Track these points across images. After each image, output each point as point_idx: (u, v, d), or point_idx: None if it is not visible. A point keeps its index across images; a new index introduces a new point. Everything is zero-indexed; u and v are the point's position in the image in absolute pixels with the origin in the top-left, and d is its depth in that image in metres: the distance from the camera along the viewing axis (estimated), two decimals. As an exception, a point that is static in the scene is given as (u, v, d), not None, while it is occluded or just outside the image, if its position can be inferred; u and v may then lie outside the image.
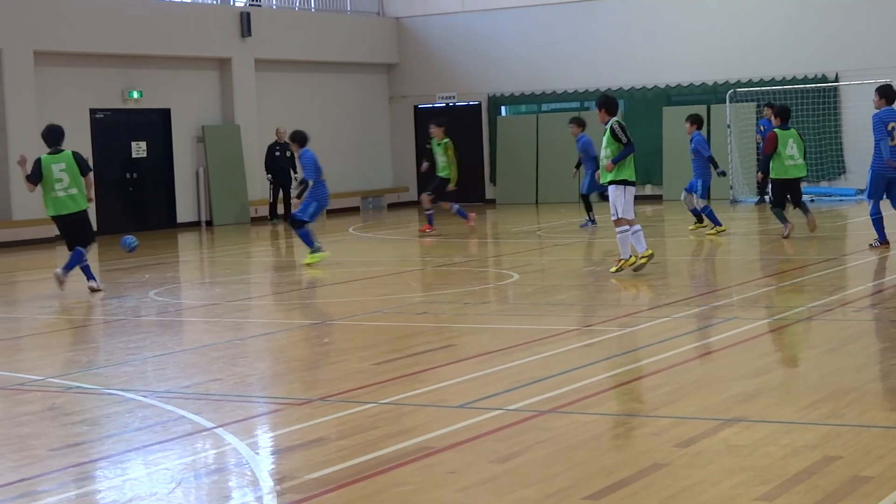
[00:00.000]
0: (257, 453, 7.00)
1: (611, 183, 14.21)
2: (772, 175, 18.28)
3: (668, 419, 7.33)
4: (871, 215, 16.18)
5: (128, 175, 26.65)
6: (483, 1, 31.40)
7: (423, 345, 10.53)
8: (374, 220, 28.22)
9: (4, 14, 23.85)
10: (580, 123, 22.15)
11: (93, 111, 25.81)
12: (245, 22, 28.30)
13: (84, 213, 15.40)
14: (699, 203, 19.84)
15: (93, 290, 15.15)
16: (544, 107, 31.43)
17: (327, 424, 7.61)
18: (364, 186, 31.97)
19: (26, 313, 14.32)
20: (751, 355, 9.43)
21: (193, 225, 27.42)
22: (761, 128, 25.62)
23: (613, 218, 14.20)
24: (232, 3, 29.20)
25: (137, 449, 7.24)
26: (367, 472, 6.41)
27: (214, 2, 28.95)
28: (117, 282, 17.10)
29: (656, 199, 29.36)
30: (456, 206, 22.38)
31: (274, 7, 30.79)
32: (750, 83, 28.45)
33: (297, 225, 17.59)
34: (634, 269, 14.31)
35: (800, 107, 27.60)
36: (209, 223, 27.45)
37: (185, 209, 27.51)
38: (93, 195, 15.61)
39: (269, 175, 27.71)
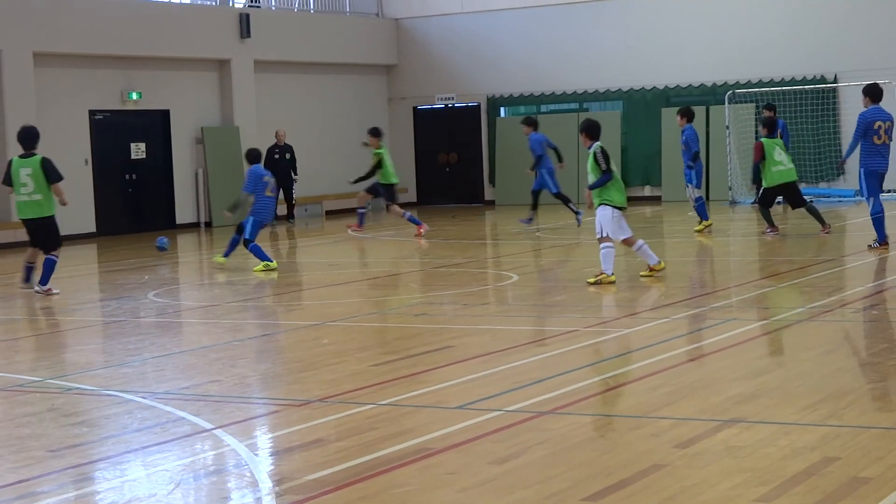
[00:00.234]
0: (256, 454, 7.01)
1: (601, 204, 14.10)
2: (765, 184, 18.87)
3: (667, 420, 7.33)
4: (873, 214, 16.20)
5: (127, 176, 26.64)
6: (482, 2, 31.39)
7: (423, 346, 10.53)
8: (373, 221, 28.20)
9: (4, 15, 23.85)
10: (530, 123, 22.54)
11: (92, 112, 25.81)
12: (244, 23, 28.30)
13: (49, 219, 15.52)
14: (693, 192, 20.16)
15: (36, 292, 15.37)
16: (543, 108, 31.42)
17: (326, 426, 7.61)
18: (363, 187, 31.85)
19: (25, 314, 14.31)
20: (750, 356, 9.44)
21: (192, 226, 27.41)
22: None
23: (598, 236, 14.10)
24: (231, 5, 29.20)
25: (136, 450, 7.24)
26: (366, 474, 6.41)
27: (213, 3, 28.95)
28: (116, 283, 17.11)
29: (655, 200, 29.37)
30: (408, 214, 22.72)
31: (273, 8, 30.79)
32: (749, 84, 28.45)
33: (245, 243, 17.56)
34: (643, 275, 14.27)
35: (798, 108, 27.62)
36: (208, 224, 27.44)
37: (184, 210, 27.51)
38: (65, 200, 15.69)
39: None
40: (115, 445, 7.38)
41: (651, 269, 14.28)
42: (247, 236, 17.55)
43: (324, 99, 30.86)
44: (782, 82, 28.11)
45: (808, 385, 8.22)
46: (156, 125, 27.11)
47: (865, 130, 16.15)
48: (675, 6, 29.39)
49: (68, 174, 25.09)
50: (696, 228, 20.12)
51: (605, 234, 13.99)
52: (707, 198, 27.85)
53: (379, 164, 22.39)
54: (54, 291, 15.44)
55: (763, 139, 18.76)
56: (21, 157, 15.54)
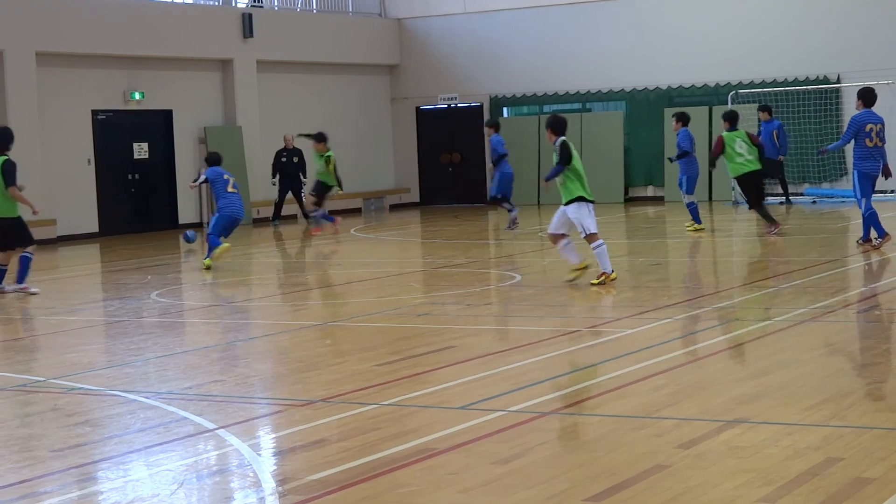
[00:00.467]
0: (259, 454, 7.01)
1: (569, 203, 14.04)
2: (731, 175, 19.58)
3: (669, 420, 7.33)
4: (865, 213, 16.37)
5: (130, 176, 26.66)
6: (485, 2, 31.39)
7: (425, 346, 10.52)
8: (376, 221, 28.21)
9: (7, 15, 23.87)
10: (491, 125, 23.21)
11: (95, 112, 25.82)
12: (247, 23, 28.31)
13: (10, 220, 15.44)
14: (685, 198, 20.54)
15: (12, 291, 15.48)
16: (546, 108, 31.41)
17: (329, 426, 7.62)
18: (366, 188, 31.96)
19: (28, 314, 14.32)
20: (752, 357, 9.43)
21: (195, 226, 27.41)
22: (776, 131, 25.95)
23: (583, 236, 14.05)
24: (234, 5, 29.21)
25: (139, 450, 7.24)
26: (368, 474, 6.41)
27: (216, 3, 28.96)
28: (119, 283, 17.11)
29: (658, 200, 29.36)
30: (321, 212, 23.06)
31: (276, 8, 30.79)
32: (752, 84, 28.44)
33: (210, 237, 18.23)
34: (569, 281, 14.18)
35: (802, 108, 27.62)
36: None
37: (186, 210, 27.52)
38: (30, 206, 15.70)
39: (274, 180, 27.69)
40: (117, 445, 7.38)
41: (575, 269, 14.15)
42: (209, 231, 18.18)
43: (326, 99, 30.86)
44: (785, 83, 28.10)
45: (810, 385, 8.21)
46: (158, 125, 27.12)
47: (857, 133, 16.41)
48: (678, 6, 29.37)
49: (71, 174, 25.33)
50: (688, 229, 20.45)
51: (589, 232, 13.93)
52: (710, 198, 27.88)
53: (328, 163, 22.72)
54: (32, 290, 15.44)
55: (724, 133, 19.23)
56: None
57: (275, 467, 6.72)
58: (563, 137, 14.06)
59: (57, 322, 13.29)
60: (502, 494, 6.00)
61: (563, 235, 14.11)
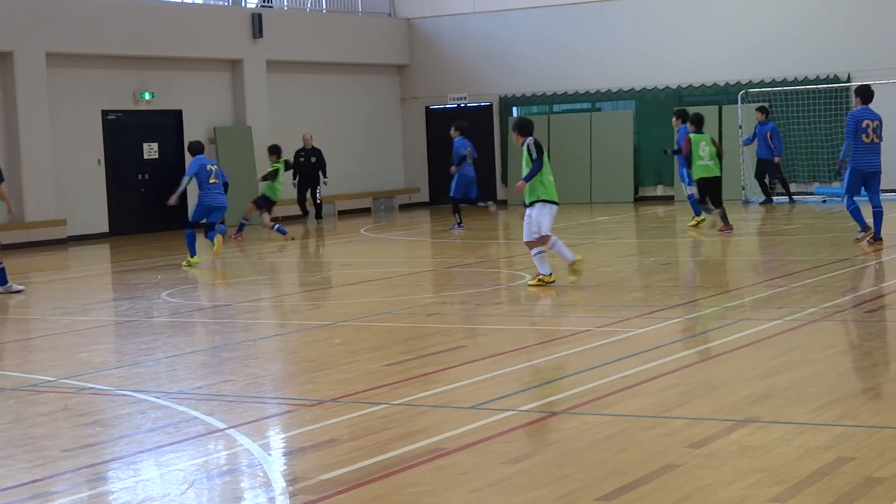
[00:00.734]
0: (269, 454, 7.01)
1: (532, 203, 13.99)
2: (694, 177, 19.97)
3: (680, 420, 7.32)
4: (848, 207, 16.81)
5: (140, 176, 26.69)
6: (494, 2, 31.38)
7: (435, 346, 10.52)
8: (386, 220, 28.23)
9: (17, 16, 23.91)
10: (458, 127, 23.93)
11: (105, 112, 25.86)
12: (256, 23, 28.34)
13: None
14: (686, 190, 21.04)
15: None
16: (556, 108, 31.40)
17: (339, 425, 7.62)
18: (375, 187, 31.97)
19: (39, 314, 14.35)
20: (763, 356, 9.42)
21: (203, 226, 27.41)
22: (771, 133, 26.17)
23: (535, 236, 13.98)
24: (243, 5, 29.23)
25: (150, 450, 7.25)
26: (378, 474, 6.41)
27: (226, 3, 28.98)
28: (129, 283, 17.14)
29: (668, 199, 29.34)
30: (275, 226, 23.16)
31: (285, 8, 30.82)
32: (762, 84, 28.39)
33: (187, 226, 18.96)
34: (530, 286, 14.14)
35: (812, 107, 27.55)
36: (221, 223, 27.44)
37: (196, 210, 27.51)
38: (8, 205, 16.01)
39: (295, 180, 27.70)
40: (128, 445, 7.39)
41: (540, 278, 14.04)
42: (189, 217, 19.01)
43: (336, 99, 30.88)
44: (795, 82, 28.04)
45: (821, 385, 8.20)
46: (168, 125, 27.15)
47: (855, 129, 16.55)
48: (687, 6, 29.34)
49: (81, 174, 25.38)
50: (689, 224, 20.88)
51: (542, 235, 13.86)
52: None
53: (273, 176, 23.01)
54: (16, 288, 15.57)
55: (692, 135, 19.78)
56: None
57: (285, 467, 6.72)
58: (531, 137, 13.98)
59: (68, 322, 13.31)
60: (512, 494, 6.00)
61: (545, 238, 14.01)
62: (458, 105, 32.30)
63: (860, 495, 5.66)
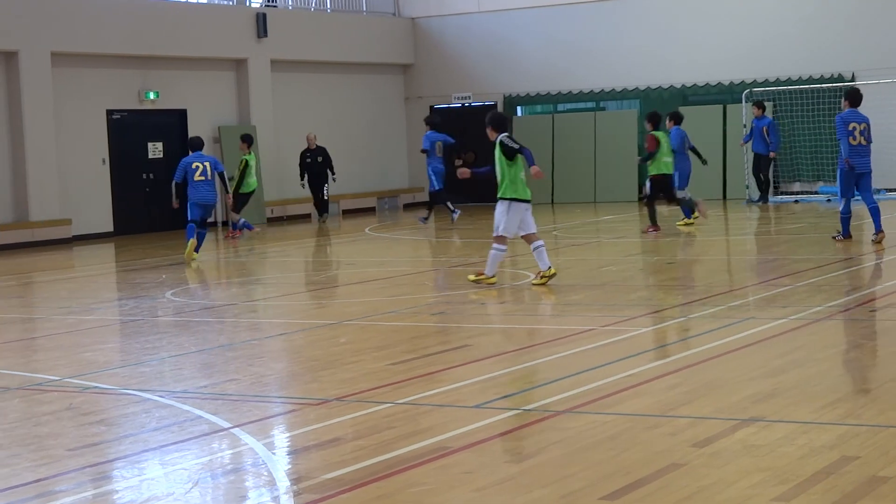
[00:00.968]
0: (274, 453, 7.02)
1: (500, 199, 13.97)
2: (652, 172, 20.39)
3: (684, 419, 7.32)
4: (842, 213, 16.93)
5: (144, 176, 26.72)
6: (499, 1, 31.37)
7: (439, 345, 10.53)
8: (390, 220, 28.23)
9: (22, 16, 23.94)
10: (428, 122, 24.90)
11: (109, 112, 25.89)
12: (261, 22, 28.35)
13: None
14: (679, 193, 21.20)
15: None
16: (560, 107, 31.40)
17: (343, 424, 7.62)
18: (380, 187, 31.98)
19: (43, 314, 14.36)
20: (767, 355, 9.41)
21: (210, 225, 27.44)
22: (766, 128, 26.10)
23: (495, 234, 13.95)
24: (248, 4, 29.25)
25: (154, 449, 7.26)
26: (382, 473, 6.41)
27: (230, 2, 29.00)
28: (134, 282, 17.15)
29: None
30: (242, 220, 23.74)
31: (290, 8, 30.83)
32: (766, 83, 28.37)
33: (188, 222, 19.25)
34: (535, 285, 14.11)
35: (816, 106, 27.53)
36: (225, 223, 27.47)
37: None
38: None
39: (303, 182, 27.69)
40: (133, 444, 7.40)
41: (541, 275, 13.98)
42: (187, 216, 19.13)
43: (340, 98, 30.89)
44: (799, 81, 28.02)
45: (826, 384, 8.20)
46: (173, 125, 27.17)
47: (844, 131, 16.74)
48: (692, 5, 29.32)
49: (86, 174, 25.40)
50: (678, 223, 21.14)
51: (499, 233, 13.83)
52: (724, 196, 27.84)
53: (243, 173, 23.35)
54: None
55: (654, 132, 20.33)
56: None
57: (289, 466, 6.73)
58: (505, 133, 13.98)
59: (72, 321, 13.33)
60: (517, 493, 6.00)
61: (531, 235, 13.99)
62: (463, 104, 32.29)
63: (864, 494, 5.66)
